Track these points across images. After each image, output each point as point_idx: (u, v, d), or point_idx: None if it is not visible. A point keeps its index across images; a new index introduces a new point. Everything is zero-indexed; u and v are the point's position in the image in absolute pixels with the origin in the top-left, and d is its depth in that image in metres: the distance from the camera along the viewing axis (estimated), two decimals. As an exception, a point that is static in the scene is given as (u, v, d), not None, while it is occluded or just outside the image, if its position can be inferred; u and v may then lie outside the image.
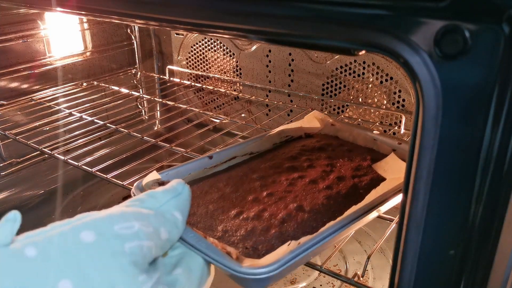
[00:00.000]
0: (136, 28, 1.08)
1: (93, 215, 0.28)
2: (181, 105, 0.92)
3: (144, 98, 1.03)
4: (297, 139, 0.58)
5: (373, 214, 0.40)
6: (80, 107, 0.87)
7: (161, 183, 0.42)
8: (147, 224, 0.29)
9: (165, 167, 0.82)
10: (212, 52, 1.00)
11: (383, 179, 0.46)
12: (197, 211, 0.41)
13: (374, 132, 0.55)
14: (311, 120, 0.60)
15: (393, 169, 0.47)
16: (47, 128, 0.78)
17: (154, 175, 0.43)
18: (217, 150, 0.51)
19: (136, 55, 1.10)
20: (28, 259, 0.24)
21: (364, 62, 0.79)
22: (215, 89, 1.01)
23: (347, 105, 0.83)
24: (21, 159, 0.88)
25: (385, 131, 0.79)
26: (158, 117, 1.11)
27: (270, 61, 0.91)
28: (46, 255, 0.24)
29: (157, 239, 0.29)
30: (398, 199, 0.42)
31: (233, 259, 0.32)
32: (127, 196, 0.43)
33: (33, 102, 0.88)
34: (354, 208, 0.39)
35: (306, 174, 0.47)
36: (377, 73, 0.78)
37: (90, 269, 0.25)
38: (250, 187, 0.45)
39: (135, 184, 0.41)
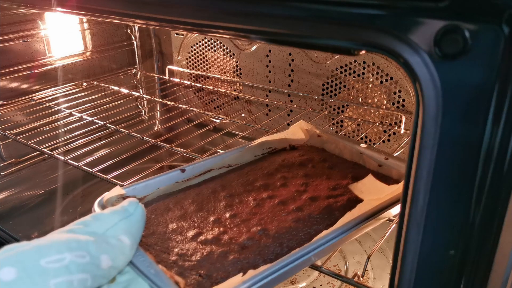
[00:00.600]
0: (136, 28, 1.08)
1: (20, 247, 0.25)
2: (181, 105, 0.92)
3: (144, 98, 1.03)
4: (280, 151, 0.55)
5: (347, 239, 0.37)
6: (80, 107, 0.87)
7: (125, 198, 0.39)
8: (83, 254, 0.27)
9: (165, 167, 0.82)
10: (212, 52, 1.00)
11: (361, 200, 0.42)
12: (156, 230, 0.38)
13: (361, 145, 0.52)
14: (297, 131, 0.56)
15: (370, 190, 0.44)
16: (47, 128, 0.78)
17: (117, 190, 0.40)
18: (193, 162, 0.48)
19: (136, 55, 1.10)
20: None
21: (364, 62, 0.79)
22: (215, 89, 1.01)
23: (347, 105, 0.83)
24: (21, 159, 0.88)
25: (384, 131, 0.79)
26: (158, 117, 1.11)
27: (270, 61, 0.91)
28: None
29: (95, 270, 0.27)
30: (376, 222, 0.39)
31: None
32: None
33: (33, 102, 0.88)
34: (324, 233, 0.36)
35: (276, 194, 0.44)
36: (377, 73, 0.78)
37: None
38: (214, 207, 0.42)
39: (97, 200, 0.38)
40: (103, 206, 0.37)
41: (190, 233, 0.38)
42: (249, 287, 0.30)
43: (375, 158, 0.50)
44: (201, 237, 0.37)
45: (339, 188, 0.45)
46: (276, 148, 0.55)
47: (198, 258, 0.35)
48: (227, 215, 0.41)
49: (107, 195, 0.38)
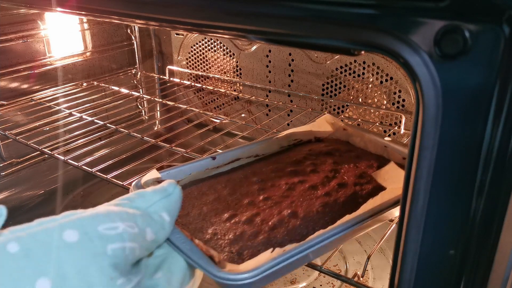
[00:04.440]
0: (136, 28, 1.08)
1: (79, 214, 0.27)
2: (181, 105, 0.92)
3: (144, 98, 1.03)
4: (306, 143, 0.56)
5: (368, 225, 0.38)
6: (80, 107, 0.87)
7: (160, 182, 0.42)
8: (133, 225, 0.28)
9: (165, 167, 0.81)
10: (212, 52, 1.00)
11: (385, 188, 0.44)
12: (191, 212, 0.41)
13: (386, 138, 0.53)
14: (322, 124, 0.58)
15: (393, 178, 0.46)
16: (47, 128, 0.78)
17: (154, 174, 0.42)
18: (222, 151, 0.50)
19: (136, 55, 1.10)
20: (10, 255, 0.24)
21: (364, 62, 0.79)
22: (215, 89, 1.01)
23: (347, 105, 0.83)
24: (21, 159, 0.88)
25: (384, 131, 0.79)
26: (158, 117, 1.11)
27: (270, 61, 0.91)
28: (27, 251, 0.24)
29: (142, 241, 0.29)
30: (396, 211, 0.40)
31: (215, 263, 0.31)
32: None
33: (33, 102, 0.88)
34: (347, 218, 0.37)
35: (307, 179, 0.46)
36: (377, 73, 0.78)
37: (69, 269, 0.25)
38: (247, 190, 0.44)
39: (134, 182, 0.41)
40: (140, 187, 0.40)
41: (225, 215, 0.40)
42: (277, 264, 0.32)
43: (400, 151, 0.51)
44: (235, 218, 0.40)
45: (365, 176, 0.47)
46: (302, 140, 0.57)
47: (231, 237, 0.37)
48: (261, 197, 0.43)
49: (144, 178, 0.41)
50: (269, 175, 0.47)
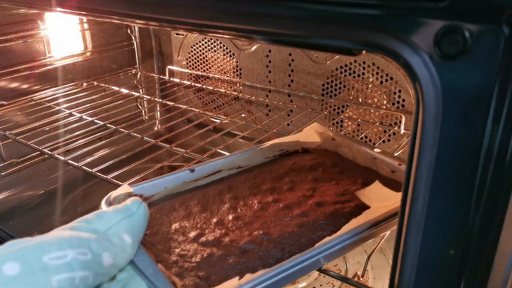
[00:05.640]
0: (136, 28, 1.08)
1: (23, 243, 0.26)
2: (181, 105, 0.92)
3: (144, 98, 1.03)
4: (292, 153, 0.53)
5: (351, 246, 0.36)
6: (80, 107, 0.87)
7: (133, 196, 0.39)
8: (85, 252, 0.27)
9: (166, 167, 0.82)
10: (212, 52, 1.00)
11: (369, 207, 0.41)
12: (160, 230, 0.38)
13: (375, 150, 0.50)
14: (310, 134, 0.55)
15: (377, 198, 0.43)
16: (47, 129, 0.78)
17: (125, 188, 0.39)
18: (203, 162, 0.47)
19: (136, 55, 1.10)
20: None
21: (364, 62, 0.79)
22: (215, 89, 1.01)
23: (347, 105, 0.83)
24: (21, 159, 0.88)
25: (384, 131, 0.79)
26: (158, 117, 1.11)
27: (270, 61, 0.91)
28: None
29: (96, 267, 0.27)
30: (384, 230, 0.38)
31: None
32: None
33: (33, 102, 0.88)
34: (327, 239, 0.35)
35: (282, 198, 0.43)
36: (377, 73, 0.78)
37: None
38: (218, 208, 0.42)
39: (104, 198, 0.38)
40: (110, 204, 0.37)
41: (192, 234, 0.38)
42: None
43: (389, 163, 0.48)
44: (202, 238, 0.37)
45: (347, 194, 0.44)
46: (288, 150, 0.53)
47: (198, 259, 0.35)
48: (230, 217, 0.40)
49: (114, 193, 0.38)
50: (244, 192, 0.45)
